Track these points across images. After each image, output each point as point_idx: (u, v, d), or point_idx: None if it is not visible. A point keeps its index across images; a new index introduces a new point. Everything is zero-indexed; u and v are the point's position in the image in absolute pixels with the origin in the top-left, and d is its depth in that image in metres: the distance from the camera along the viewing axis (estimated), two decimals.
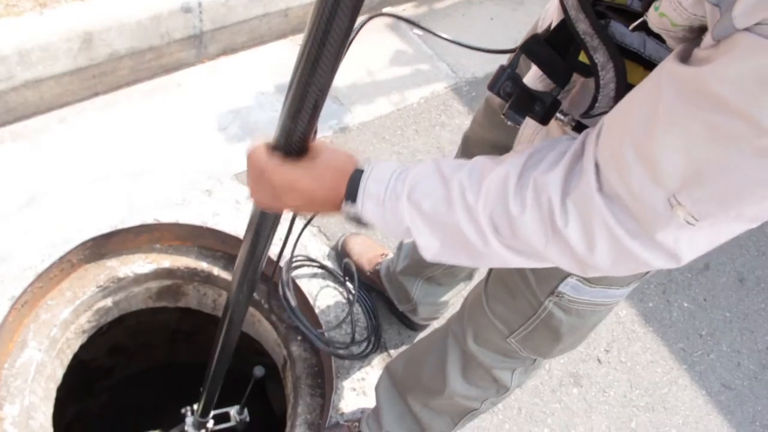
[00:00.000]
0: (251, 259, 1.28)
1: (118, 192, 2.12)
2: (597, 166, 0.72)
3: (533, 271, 1.17)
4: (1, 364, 1.88)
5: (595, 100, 0.84)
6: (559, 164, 0.76)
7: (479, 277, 2.22)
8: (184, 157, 2.26)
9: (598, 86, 0.82)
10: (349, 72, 2.64)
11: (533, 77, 1.01)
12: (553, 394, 2.11)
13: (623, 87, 0.80)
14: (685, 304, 2.41)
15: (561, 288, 1.13)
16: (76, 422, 3.60)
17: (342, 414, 1.94)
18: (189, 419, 2.07)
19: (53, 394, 2.10)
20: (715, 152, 0.60)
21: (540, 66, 0.93)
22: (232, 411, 2.11)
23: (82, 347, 3.04)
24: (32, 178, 2.10)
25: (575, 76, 0.93)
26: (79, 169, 2.15)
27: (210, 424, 2.05)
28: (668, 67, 0.65)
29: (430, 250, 0.87)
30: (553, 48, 0.91)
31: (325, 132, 2.45)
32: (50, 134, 2.21)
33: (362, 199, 0.87)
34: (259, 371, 1.94)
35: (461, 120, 2.67)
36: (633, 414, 2.14)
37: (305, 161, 0.91)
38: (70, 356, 2.16)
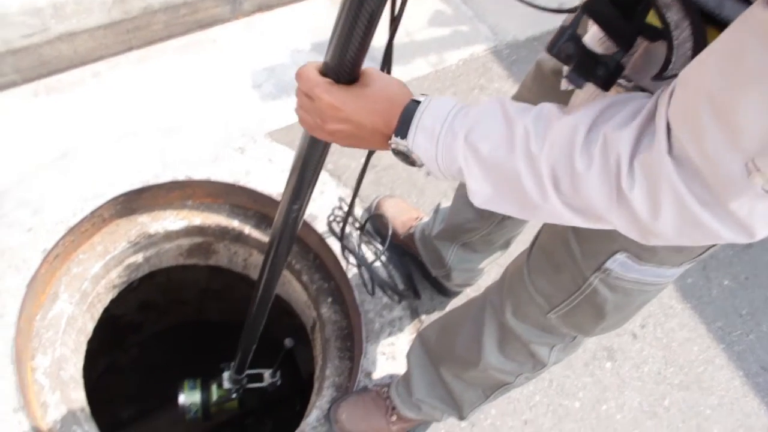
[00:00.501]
0: (296, 197, 1.23)
1: (151, 148, 2.10)
2: (668, 127, 0.66)
3: (580, 244, 1.11)
4: (33, 316, 1.88)
5: (668, 62, 0.77)
6: (632, 122, 0.70)
7: (517, 245, 2.18)
8: (217, 114, 2.22)
9: (671, 48, 0.75)
10: (387, 30, 2.57)
11: (592, 39, 0.94)
12: (585, 367, 2.07)
13: (702, 46, 0.73)
14: (726, 282, 2.34)
15: (608, 264, 1.06)
16: (106, 375, 3.65)
17: (371, 378, 1.92)
18: (226, 374, 2.17)
19: (83, 347, 2.11)
20: None
21: (603, 27, 0.87)
22: (266, 373, 2.20)
23: (113, 302, 3.07)
24: (65, 132, 2.08)
25: (639, 40, 0.86)
26: (112, 123, 2.13)
27: (244, 381, 2.16)
28: (756, 15, 0.59)
29: (481, 195, 0.82)
30: (617, 8, 0.85)
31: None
32: (84, 88, 2.19)
33: (414, 133, 0.82)
34: (289, 342, 2.00)
35: (501, 84, 2.59)
36: (666, 392, 2.09)
37: (356, 87, 0.87)
38: (100, 310, 2.17)
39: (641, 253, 1.02)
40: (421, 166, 0.87)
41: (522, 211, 0.82)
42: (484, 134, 0.78)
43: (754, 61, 0.57)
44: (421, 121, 0.82)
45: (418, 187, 2.25)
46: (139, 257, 2.14)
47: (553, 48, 0.83)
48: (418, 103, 0.83)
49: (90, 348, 3.29)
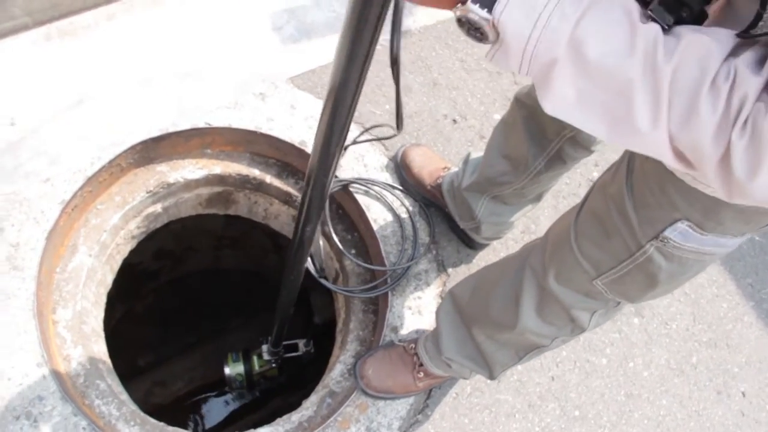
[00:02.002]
0: (334, 124, 1.14)
1: (168, 94, 2.01)
2: None
3: (637, 210, 1.05)
4: (53, 268, 1.84)
5: (758, 17, 0.69)
6: (764, 67, 0.63)
7: (550, 198, 2.12)
8: (236, 59, 2.13)
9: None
10: None
11: None
12: (613, 323, 2.04)
13: None
14: (757, 238, 2.29)
15: (667, 233, 1.00)
16: (123, 322, 3.66)
17: (397, 332, 1.88)
18: (265, 346, 2.41)
19: (103, 299, 2.08)
20: None
21: None
22: (300, 343, 2.40)
23: (131, 252, 3.04)
24: (80, 78, 2.00)
25: None
26: (127, 68, 2.04)
27: (281, 352, 2.39)
28: None
29: (560, 101, 0.73)
30: None
31: (385, 35, 2.28)
32: (98, 31, 2.09)
33: (507, 1, 0.70)
34: (317, 319, 2.29)
35: None
36: (694, 349, 2.06)
37: None
38: (119, 261, 2.13)
39: (704, 222, 0.96)
40: (488, 42, 0.75)
41: (611, 132, 0.74)
42: (597, 29, 0.68)
43: None
44: None
45: (444, 135, 2.17)
46: (158, 207, 2.08)
47: None
48: None
49: (107, 295, 3.29)
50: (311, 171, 1.30)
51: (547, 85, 0.74)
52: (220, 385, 3.16)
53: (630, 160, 1.09)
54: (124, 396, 1.90)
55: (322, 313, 2.69)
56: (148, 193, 2.00)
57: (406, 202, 2.03)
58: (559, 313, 1.33)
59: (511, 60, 0.75)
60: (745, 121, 0.63)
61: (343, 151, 1.97)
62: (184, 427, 3.57)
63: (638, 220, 1.05)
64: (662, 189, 0.98)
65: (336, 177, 2.03)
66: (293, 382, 3.30)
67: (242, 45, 2.15)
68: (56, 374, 1.69)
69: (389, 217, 2.01)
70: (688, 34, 0.68)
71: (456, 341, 1.62)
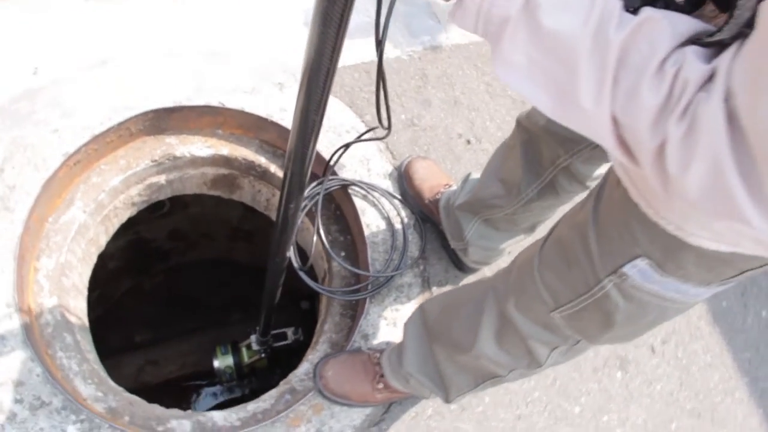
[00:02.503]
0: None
1: (189, 69, 2.05)
2: (729, 77, 0.57)
3: (599, 241, 1.00)
4: (45, 217, 1.87)
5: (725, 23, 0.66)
6: (715, 60, 0.60)
7: (543, 229, 2.07)
8: (262, 46, 2.15)
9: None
10: None
11: None
12: (593, 372, 1.96)
13: None
14: (764, 313, 2.18)
15: (626, 269, 0.95)
16: (128, 295, 3.71)
17: (367, 340, 1.85)
18: (253, 336, 2.39)
19: (94, 259, 2.11)
20: None
21: None
22: (289, 331, 2.40)
23: (144, 225, 3.09)
24: (109, 41, 2.05)
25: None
26: (155, 39, 2.09)
27: (270, 341, 2.39)
28: None
29: (511, 68, 0.72)
30: None
31: (415, 47, 2.29)
32: (137, 0, 2.14)
33: None
34: (304, 305, 2.28)
35: None
36: (675, 415, 1.96)
37: None
38: (116, 225, 2.15)
39: (665, 262, 0.90)
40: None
41: (555, 105, 0.72)
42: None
43: None
44: None
45: (455, 153, 2.15)
46: (161, 178, 2.11)
47: None
48: None
49: (116, 266, 3.34)
50: (291, 146, 1.29)
51: (498, 47, 0.73)
52: (212, 375, 3.17)
53: (601, 188, 1.05)
54: (91, 355, 1.91)
55: (310, 298, 2.67)
56: (153, 162, 2.03)
57: (403, 213, 2.01)
58: (516, 342, 1.28)
59: (467, 17, 0.75)
60: (685, 111, 0.60)
61: (344, 149, 1.98)
62: None
63: (599, 252, 1.01)
64: (625, 221, 0.94)
65: (336, 175, 2.03)
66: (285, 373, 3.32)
67: (271, 34, 2.18)
68: (24, 318, 1.71)
69: (382, 225, 1.99)
70: (648, 12, 0.65)
71: (418, 357, 1.58)
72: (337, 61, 1.07)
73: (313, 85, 1.12)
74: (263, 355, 2.47)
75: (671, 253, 0.89)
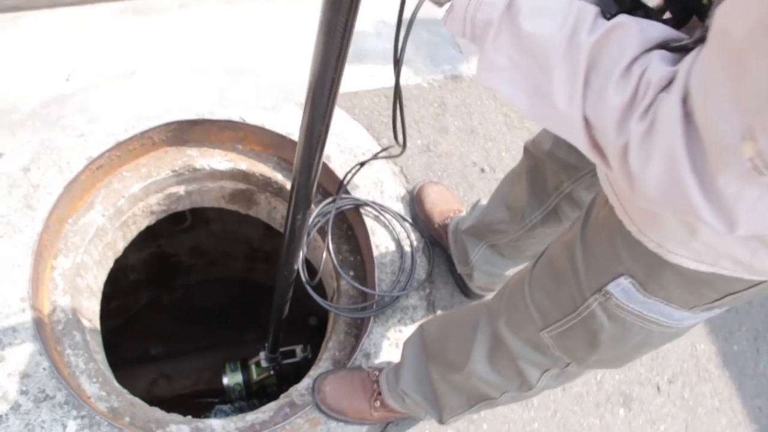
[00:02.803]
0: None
1: (214, 84, 2.12)
2: (690, 73, 0.60)
3: (585, 258, 1.02)
4: (65, 217, 1.94)
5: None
6: (679, 63, 0.63)
7: None
8: (287, 66, 2.22)
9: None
10: None
11: None
12: (596, 408, 1.94)
13: None
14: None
15: (610, 287, 0.96)
16: (147, 308, 3.76)
17: (369, 359, 1.86)
18: (262, 353, 2.39)
19: (110, 263, 2.16)
20: None
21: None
22: (298, 349, 2.40)
23: (166, 239, 3.15)
24: (139, 53, 2.14)
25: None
26: (184, 53, 2.17)
27: (279, 358, 2.39)
28: None
29: (493, 69, 0.76)
30: None
31: (436, 75, 2.33)
32: (169, 16, 2.24)
33: None
34: (312, 321, 2.28)
35: None
36: None
37: None
38: (134, 232, 2.21)
39: (647, 282, 0.91)
40: (440, 3, 0.83)
41: (532, 105, 0.75)
42: (537, 1, 0.72)
43: None
44: None
45: (468, 181, 2.17)
46: (181, 189, 2.17)
47: None
48: None
49: (137, 278, 3.41)
50: (298, 157, 1.33)
51: (482, 49, 0.77)
52: (224, 393, 3.19)
53: (590, 208, 1.07)
54: (99, 356, 1.95)
55: (318, 315, 2.69)
56: (173, 172, 2.09)
57: (413, 236, 2.03)
58: (507, 362, 1.29)
59: (456, 22, 0.80)
60: (647, 110, 0.62)
61: (359, 168, 2.02)
62: None
63: (585, 270, 1.02)
64: (610, 239, 0.95)
65: (350, 195, 2.06)
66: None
67: (297, 55, 2.25)
68: (37, 314, 1.76)
69: (392, 247, 2.01)
70: (621, 17, 0.68)
71: (415, 376, 1.59)
72: (341, 71, 1.12)
73: (318, 95, 1.16)
74: (272, 372, 2.49)
75: (653, 271, 0.90)
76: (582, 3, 0.70)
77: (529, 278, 1.18)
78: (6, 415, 1.62)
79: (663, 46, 0.66)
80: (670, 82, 0.62)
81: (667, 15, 0.79)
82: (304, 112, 1.22)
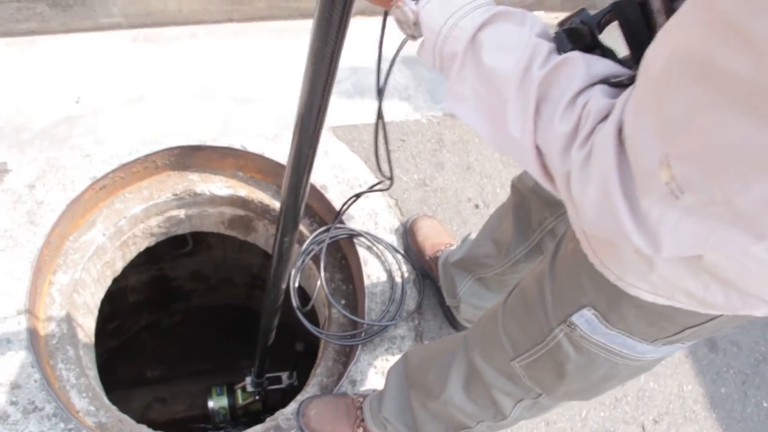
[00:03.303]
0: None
1: (217, 112, 2.19)
2: (624, 106, 0.64)
3: (552, 290, 1.05)
4: (66, 235, 1.99)
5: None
6: (619, 97, 0.67)
7: None
8: (290, 97, 2.27)
9: None
10: None
11: None
12: None
13: None
14: (765, 404, 2.13)
15: (575, 318, 0.99)
16: (145, 330, 3.79)
17: (354, 386, 1.88)
18: (248, 378, 2.44)
19: (108, 281, 2.21)
20: (704, 92, 0.50)
21: (622, 29, 0.83)
22: (284, 375, 2.43)
23: (168, 263, 3.20)
24: (148, 79, 2.22)
25: None
26: (191, 82, 2.24)
27: (265, 384, 2.43)
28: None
29: (459, 99, 0.81)
30: (644, 15, 0.81)
31: (435, 112, 2.40)
32: (179, 45, 2.32)
33: None
34: (299, 346, 2.28)
35: None
36: None
37: None
38: (134, 252, 2.26)
39: (609, 313, 0.94)
40: (413, 36, 0.87)
41: (494, 135, 0.79)
42: (497, 37, 0.76)
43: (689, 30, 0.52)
44: None
45: (462, 216, 2.22)
46: (181, 213, 2.22)
47: (563, 22, 0.82)
48: None
49: (137, 300, 3.45)
50: (286, 180, 1.39)
51: (449, 80, 0.81)
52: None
53: (560, 241, 1.10)
54: (91, 372, 1.98)
55: (305, 341, 2.74)
56: (174, 196, 2.14)
57: (404, 268, 2.07)
58: (482, 392, 1.31)
59: (426, 53, 0.84)
60: (586, 139, 0.66)
61: (354, 199, 2.07)
62: None
63: (552, 301, 1.05)
64: (576, 271, 0.99)
65: (344, 225, 2.11)
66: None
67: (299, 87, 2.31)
68: (32, 326, 1.80)
69: (383, 277, 2.05)
70: (571, 53, 0.73)
71: (396, 404, 1.61)
72: (327, 98, 1.17)
73: (306, 120, 1.22)
74: (257, 397, 2.51)
75: (614, 303, 0.93)
76: (538, 40, 0.75)
77: (503, 309, 1.21)
78: None
79: (605, 81, 0.71)
80: (608, 114, 0.66)
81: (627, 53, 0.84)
82: (293, 136, 1.28)
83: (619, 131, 0.63)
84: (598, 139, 0.65)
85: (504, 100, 0.74)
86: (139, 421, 3.47)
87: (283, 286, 1.78)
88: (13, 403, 1.68)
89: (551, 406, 1.29)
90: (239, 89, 2.26)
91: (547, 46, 0.74)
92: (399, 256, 2.09)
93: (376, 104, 2.14)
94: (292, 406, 1.92)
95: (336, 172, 2.19)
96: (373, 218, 2.15)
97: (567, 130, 0.68)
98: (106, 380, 2.10)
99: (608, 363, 1.01)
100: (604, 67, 0.72)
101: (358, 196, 2.10)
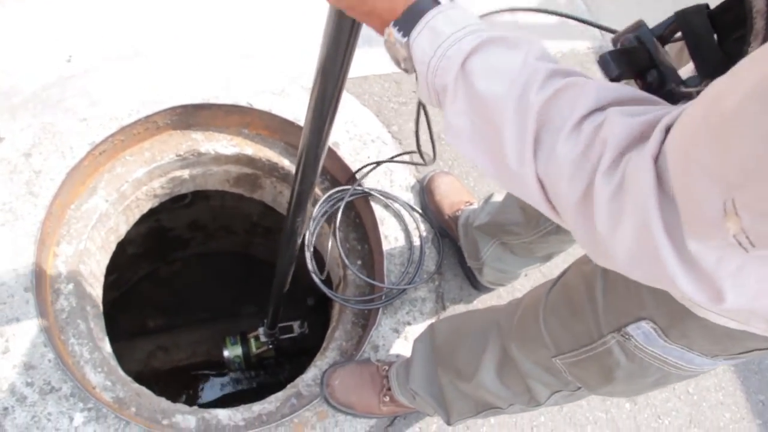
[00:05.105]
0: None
1: (221, 67, 2.06)
2: (666, 132, 0.56)
3: (605, 295, 0.99)
4: (68, 204, 1.89)
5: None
6: (642, 117, 0.59)
7: (561, 262, 2.05)
8: (297, 51, 2.16)
9: None
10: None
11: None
12: (602, 401, 1.94)
13: None
14: None
15: (630, 329, 0.93)
16: (145, 281, 3.74)
17: (377, 351, 1.85)
18: (261, 329, 2.53)
19: (112, 247, 2.13)
20: None
21: (687, 40, 0.74)
22: (295, 325, 2.56)
23: (165, 213, 3.11)
24: (144, 32, 2.07)
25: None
26: (192, 35, 2.10)
27: (277, 333, 2.53)
28: None
29: (454, 132, 0.73)
30: (714, 26, 0.72)
31: None
32: None
33: (421, 29, 0.73)
34: (310, 301, 2.41)
35: None
36: None
37: None
38: (137, 216, 2.17)
39: (669, 329, 0.89)
40: (406, 70, 0.80)
41: (495, 169, 0.72)
42: (488, 63, 0.69)
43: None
44: (433, 20, 0.73)
45: (479, 171, 2.14)
46: (185, 173, 2.12)
47: (617, 38, 0.73)
48: (436, 3, 0.75)
49: (134, 251, 3.37)
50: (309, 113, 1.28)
51: (444, 112, 0.74)
52: (220, 366, 3.22)
53: None
54: (103, 344, 1.92)
55: (316, 295, 2.78)
56: (177, 156, 2.04)
57: (422, 227, 2.00)
58: (517, 379, 1.28)
59: (423, 91, 0.77)
60: (611, 167, 0.59)
61: (375, 165, 1.98)
62: (176, 398, 3.63)
63: (604, 306, 0.99)
64: (634, 282, 0.92)
65: (360, 186, 2.02)
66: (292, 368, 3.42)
67: (309, 40, 2.18)
68: (40, 303, 1.72)
69: (401, 237, 1.98)
70: (573, 78, 0.66)
71: (424, 376, 1.57)
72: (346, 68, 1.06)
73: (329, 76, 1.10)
74: (270, 346, 2.59)
75: (677, 320, 0.87)
76: (535, 62, 0.67)
77: (544, 304, 1.15)
78: (12, 407, 1.60)
79: (627, 101, 0.64)
80: (637, 140, 0.58)
81: (691, 70, 0.75)
82: (312, 95, 1.17)
83: (655, 160, 0.55)
84: (632, 170, 0.57)
85: (499, 129, 0.67)
86: (143, 369, 3.46)
87: (299, 239, 1.68)
88: (29, 385, 1.63)
89: (589, 395, 1.26)
90: (240, 43, 2.12)
91: (544, 69, 0.67)
92: (416, 215, 2.02)
93: (386, 53, 2.03)
94: (312, 371, 1.89)
95: (347, 127, 2.09)
96: (388, 176, 2.06)
97: (572, 157, 0.61)
98: (109, 332, 2.04)
99: (660, 371, 0.97)
100: (615, 91, 0.64)
101: (378, 164, 2.02)
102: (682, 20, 0.74)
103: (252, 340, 2.62)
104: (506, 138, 0.66)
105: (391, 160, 2.05)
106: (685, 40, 0.75)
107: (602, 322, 0.98)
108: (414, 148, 2.09)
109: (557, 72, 0.67)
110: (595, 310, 0.99)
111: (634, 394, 1.13)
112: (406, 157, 2.07)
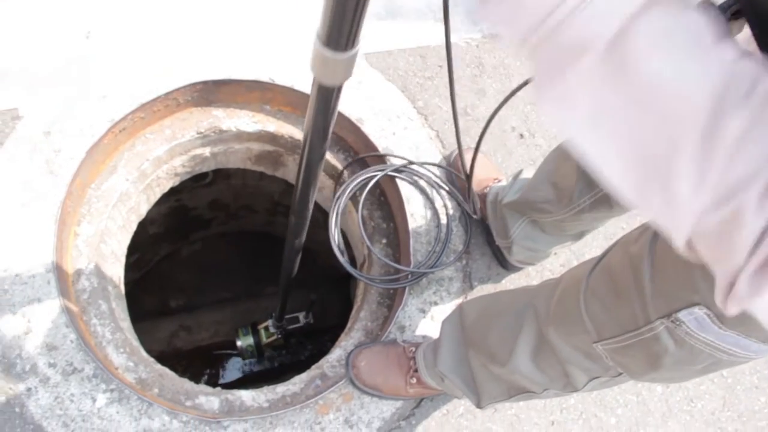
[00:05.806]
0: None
1: (243, 43, 2.01)
2: None
3: (654, 280, 0.93)
4: (88, 183, 1.86)
5: None
6: None
7: (601, 239, 1.99)
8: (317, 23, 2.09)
9: None
10: None
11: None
12: (633, 384, 1.89)
13: None
14: None
15: (682, 315, 0.87)
16: (166, 261, 3.73)
17: (403, 332, 1.81)
18: (270, 321, 2.73)
19: (133, 227, 2.10)
20: None
21: (750, 20, 0.67)
22: (300, 316, 2.71)
23: (186, 193, 3.09)
24: (163, 8, 2.02)
25: None
26: (210, 10, 2.05)
27: (285, 324, 2.70)
28: None
29: (566, 108, 0.54)
30: None
31: (473, 34, 2.21)
32: None
33: None
34: (312, 297, 2.59)
35: None
36: None
37: None
38: (158, 194, 2.14)
39: (725, 315, 0.83)
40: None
41: (629, 177, 0.53)
42: (664, 35, 0.50)
43: None
44: None
45: (507, 147, 2.08)
46: (206, 151, 2.08)
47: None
48: None
49: (156, 231, 3.36)
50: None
51: (557, 80, 0.53)
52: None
53: None
54: (125, 324, 1.90)
55: (317, 290, 2.99)
56: (198, 134, 2.00)
57: (449, 204, 1.95)
58: (554, 364, 1.23)
59: (520, 19, 0.53)
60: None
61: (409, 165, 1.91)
62: (198, 377, 3.63)
63: (653, 291, 0.93)
64: (687, 267, 0.85)
65: (390, 162, 1.97)
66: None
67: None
68: (61, 283, 1.70)
69: (428, 215, 1.93)
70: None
71: (453, 358, 1.53)
72: None
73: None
74: (279, 335, 2.76)
75: None
76: (733, 62, 0.49)
77: (585, 287, 1.10)
78: (35, 387, 1.59)
79: None
80: None
81: None
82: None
83: None
84: None
85: (675, 140, 0.49)
86: (165, 349, 3.45)
87: (308, 214, 1.55)
88: (51, 366, 1.61)
89: (629, 381, 1.20)
90: (263, 16, 2.07)
91: (749, 65, 0.49)
92: (443, 192, 1.96)
93: (411, 27, 1.97)
94: (337, 352, 1.86)
95: (371, 103, 2.03)
96: (414, 152, 2.01)
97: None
98: (131, 312, 2.03)
99: (711, 358, 0.91)
100: None
101: (411, 163, 1.95)
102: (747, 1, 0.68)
103: (262, 331, 2.79)
104: (685, 154, 0.49)
105: (422, 163, 1.99)
106: (749, 19, 0.68)
107: (650, 307, 0.93)
108: (440, 125, 2.04)
109: (760, 79, 0.48)
110: (642, 294, 0.94)
111: (680, 381, 1.07)
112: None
